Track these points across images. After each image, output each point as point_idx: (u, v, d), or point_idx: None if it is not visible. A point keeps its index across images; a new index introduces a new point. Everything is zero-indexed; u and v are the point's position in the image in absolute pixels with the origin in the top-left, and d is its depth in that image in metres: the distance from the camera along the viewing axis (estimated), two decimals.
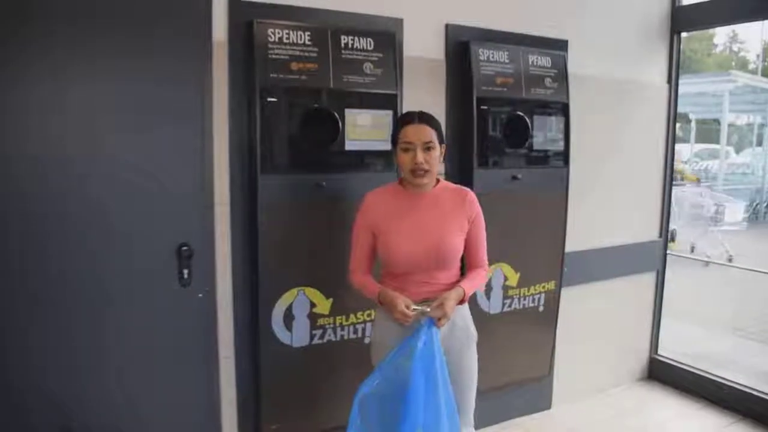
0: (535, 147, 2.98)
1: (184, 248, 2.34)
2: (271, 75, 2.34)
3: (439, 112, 2.81)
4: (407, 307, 1.97)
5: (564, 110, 3.04)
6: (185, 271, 2.35)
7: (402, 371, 1.90)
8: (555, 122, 3.03)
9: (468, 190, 2.18)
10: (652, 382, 3.80)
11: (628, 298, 3.66)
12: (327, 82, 2.45)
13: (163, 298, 2.33)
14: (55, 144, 2.09)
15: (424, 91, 2.76)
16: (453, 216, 2.10)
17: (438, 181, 2.17)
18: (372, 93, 2.54)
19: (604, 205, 3.41)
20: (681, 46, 3.54)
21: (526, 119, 2.92)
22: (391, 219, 2.08)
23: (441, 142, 2.10)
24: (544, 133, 3.00)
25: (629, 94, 3.45)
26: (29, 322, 2.11)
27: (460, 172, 2.85)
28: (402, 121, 2.12)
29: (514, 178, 2.92)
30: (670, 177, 3.64)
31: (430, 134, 2.05)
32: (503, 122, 2.88)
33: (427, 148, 2.03)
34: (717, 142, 14.06)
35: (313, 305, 2.53)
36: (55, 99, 2.08)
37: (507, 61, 2.88)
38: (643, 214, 3.66)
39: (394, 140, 2.11)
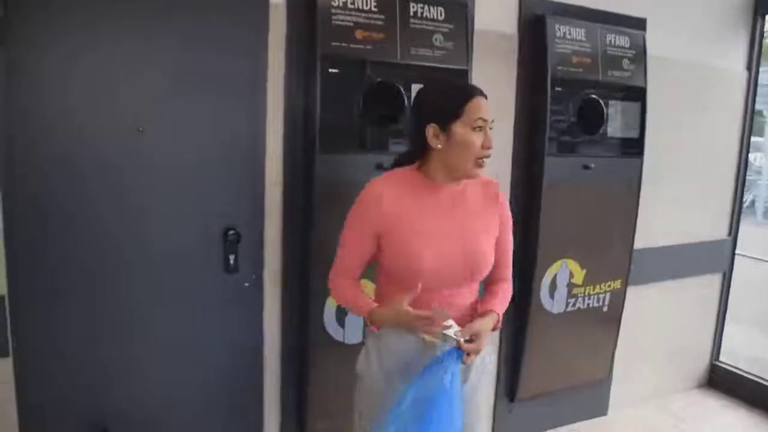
0: (609, 134, 2.73)
1: (231, 232, 2.13)
2: (333, 43, 2.11)
3: (509, 93, 2.59)
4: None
5: (641, 95, 2.78)
6: (231, 257, 2.15)
7: (420, 414, 1.43)
8: (631, 108, 2.77)
9: (497, 182, 1.70)
10: (712, 389, 3.55)
11: (692, 301, 3.40)
12: (394, 53, 2.21)
13: (206, 285, 2.14)
14: (95, 119, 1.89)
15: (494, 69, 2.51)
16: (485, 216, 1.64)
17: None
18: (441, 68, 2.30)
19: (671, 199, 3.12)
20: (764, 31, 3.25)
21: (602, 104, 2.66)
22: (412, 217, 1.57)
23: None
24: (618, 120, 2.75)
25: (705, 80, 3.15)
26: (68, 309, 1.93)
27: (529, 160, 2.62)
28: (466, 92, 1.55)
29: (586, 167, 2.67)
30: (744, 171, 3.36)
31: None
32: (577, 106, 2.62)
33: (490, 128, 1.56)
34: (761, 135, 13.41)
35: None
36: (91, 68, 1.87)
37: (584, 39, 2.61)
38: (713, 210, 3.39)
39: (450, 116, 1.52)
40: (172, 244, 2.06)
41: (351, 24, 2.14)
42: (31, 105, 1.80)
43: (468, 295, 1.64)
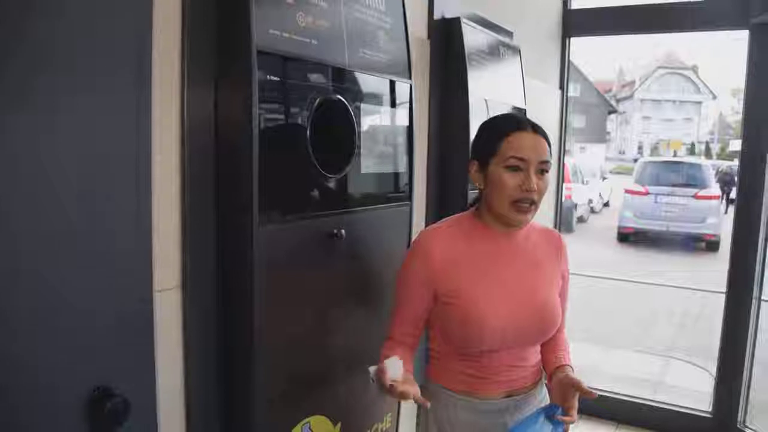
0: None
1: (105, 399, 1.04)
2: (272, 31, 1.21)
3: (422, 118, 1.98)
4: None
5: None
6: None
7: None
8: None
9: (558, 234, 1.55)
10: None
11: None
12: (341, 53, 1.41)
13: None
14: None
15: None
16: (550, 269, 1.47)
17: None
18: (388, 81, 1.59)
19: None
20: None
21: None
22: (471, 274, 1.38)
23: None
24: None
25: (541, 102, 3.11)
26: None
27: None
28: (505, 126, 1.37)
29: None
30: (560, 185, 3.43)
31: (548, 152, 1.38)
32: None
33: (542, 170, 1.36)
34: None
35: None
36: None
37: (486, 49, 2.20)
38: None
39: (487, 153, 1.36)
40: None
41: (291, 1, 1.26)
42: None
43: (534, 354, 1.47)
